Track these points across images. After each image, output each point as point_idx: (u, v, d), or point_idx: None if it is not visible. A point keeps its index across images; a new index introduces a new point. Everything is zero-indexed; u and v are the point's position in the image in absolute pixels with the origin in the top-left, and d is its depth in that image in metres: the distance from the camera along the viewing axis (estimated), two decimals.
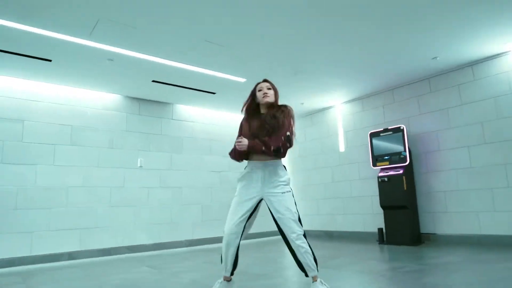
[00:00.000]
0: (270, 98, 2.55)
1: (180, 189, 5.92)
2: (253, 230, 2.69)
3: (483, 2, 3.37)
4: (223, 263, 2.45)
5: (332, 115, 6.73)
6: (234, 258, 2.43)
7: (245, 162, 2.55)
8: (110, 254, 5.06)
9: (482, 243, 4.56)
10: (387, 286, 2.80)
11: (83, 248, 4.88)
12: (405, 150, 5.15)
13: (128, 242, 5.27)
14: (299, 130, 7.29)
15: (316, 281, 2.34)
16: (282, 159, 2.53)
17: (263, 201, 2.45)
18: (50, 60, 4.24)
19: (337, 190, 6.47)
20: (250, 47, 4.17)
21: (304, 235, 2.36)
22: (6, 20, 3.32)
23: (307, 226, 6.92)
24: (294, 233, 2.31)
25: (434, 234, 5.07)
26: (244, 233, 2.45)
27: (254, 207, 2.43)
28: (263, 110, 2.59)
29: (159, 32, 3.70)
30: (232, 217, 2.41)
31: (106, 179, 5.25)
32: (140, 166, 5.59)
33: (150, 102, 5.89)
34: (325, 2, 3.26)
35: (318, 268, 2.37)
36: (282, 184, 2.41)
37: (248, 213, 2.41)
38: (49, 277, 3.68)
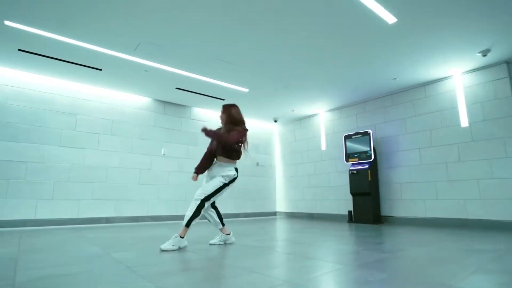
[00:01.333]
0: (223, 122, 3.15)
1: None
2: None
3: (433, 35, 3.87)
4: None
5: (316, 121, 7.17)
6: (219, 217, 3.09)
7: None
8: (137, 221, 5.55)
9: (427, 224, 5.01)
10: (351, 244, 3.27)
11: (117, 215, 5.38)
12: (370, 150, 5.61)
13: (152, 213, 5.76)
14: (291, 132, 7.77)
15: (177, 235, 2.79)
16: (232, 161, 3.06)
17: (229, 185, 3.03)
18: (100, 69, 4.77)
19: (318, 181, 6.91)
20: (252, 66, 4.66)
21: (201, 201, 2.81)
22: (69, 38, 3.86)
23: (293, 209, 7.39)
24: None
25: (392, 216, 5.51)
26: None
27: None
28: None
29: (183, 50, 4.22)
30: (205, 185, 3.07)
31: (136, 162, 5.74)
32: (164, 154, 6.07)
33: (173, 104, 6.38)
34: (312, 37, 3.77)
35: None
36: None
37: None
38: (95, 233, 4.18)
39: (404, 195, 5.39)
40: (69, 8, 3.27)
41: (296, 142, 7.61)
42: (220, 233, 3.10)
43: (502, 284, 1.62)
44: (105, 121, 5.51)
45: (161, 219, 5.81)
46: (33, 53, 4.21)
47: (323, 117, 7.02)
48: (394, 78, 5.14)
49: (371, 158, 5.56)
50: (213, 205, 3.10)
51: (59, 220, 4.81)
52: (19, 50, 4.14)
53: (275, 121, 7.63)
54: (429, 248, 2.79)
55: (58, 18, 3.46)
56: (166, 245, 2.69)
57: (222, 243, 3.08)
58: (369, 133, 5.65)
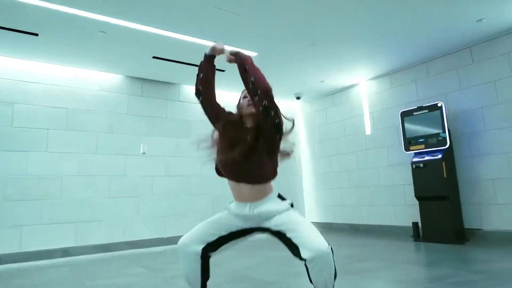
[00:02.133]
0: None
1: (187, 177, 5.32)
2: None
3: None
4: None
5: (356, 94, 6.00)
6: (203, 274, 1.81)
7: None
8: (108, 250, 4.54)
9: None
10: None
11: (78, 244, 4.39)
12: (443, 131, 4.35)
13: (129, 237, 4.75)
14: (320, 112, 6.62)
15: None
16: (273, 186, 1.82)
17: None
18: (36, 34, 3.72)
19: (364, 178, 5.75)
20: (261, 15, 3.53)
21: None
22: None
23: (329, 218, 6.28)
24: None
25: (480, 229, 4.28)
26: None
27: (234, 232, 1.80)
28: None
29: None
30: (202, 228, 1.82)
31: (105, 167, 4.73)
32: (143, 153, 5.04)
33: (153, 82, 5.32)
34: None
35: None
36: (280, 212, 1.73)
37: (220, 234, 1.79)
38: (29, 280, 3.16)
39: (500, 197, 4.13)
40: None
41: (329, 125, 6.44)
42: None
43: None
44: (56, 110, 4.49)
45: (142, 245, 4.80)
46: None
47: (365, 88, 5.84)
48: (478, 20, 3.86)
49: (445, 144, 4.31)
50: (207, 254, 1.81)
51: None
52: None
53: (298, 98, 6.51)
54: None
55: None
56: None
57: None
58: (441, 106, 4.38)
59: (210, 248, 1.77)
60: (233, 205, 1.79)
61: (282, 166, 5.84)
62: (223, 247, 1.80)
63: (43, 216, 4.21)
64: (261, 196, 1.71)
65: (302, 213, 6.72)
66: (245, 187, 1.70)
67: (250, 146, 1.64)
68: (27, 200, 4.14)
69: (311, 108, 6.86)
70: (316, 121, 6.73)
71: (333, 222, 6.19)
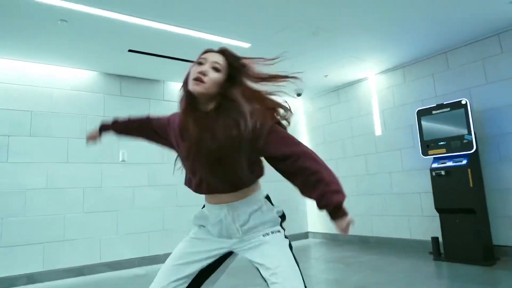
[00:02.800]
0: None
1: (174, 187, 4.81)
2: None
3: None
4: None
5: (364, 90, 5.59)
6: None
7: None
8: (83, 274, 4.08)
9: None
10: None
11: (47, 268, 3.91)
12: (469, 133, 3.85)
13: (108, 258, 4.28)
14: (324, 110, 6.18)
15: None
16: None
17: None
18: None
19: (374, 185, 5.33)
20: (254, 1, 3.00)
21: None
22: None
23: (335, 229, 5.79)
24: None
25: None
26: None
27: (212, 263, 1.38)
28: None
29: None
30: (163, 278, 1.32)
31: (77, 178, 4.25)
32: (123, 161, 4.56)
33: (134, 79, 4.83)
34: None
35: None
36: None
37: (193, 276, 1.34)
38: None
39: None
40: None
41: (333, 124, 6.02)
42: None
43: None
44: (18, 114, 4.01)
45: (123, 266, 4.34)
46: None
47: (375, 83, 5.42)
48: (511, 1, 3.33)
49: (471, 148, 3.81)
50: None
51: None
52: None
53: (298, 95, 6.03)
54: None
55: None
56: None
57: None
58: (466, 103, 3.88)
59: None
60: (205, 211, 1.40)
61: None
62: None
63: (2, 237, 3.73)
64: (242, 196, 1.34)
65: (304, 223, 6.28)
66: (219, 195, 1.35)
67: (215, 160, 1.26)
68: None
69: (314, 106, 6.45)
70: (320, 120, 6.30)
71: (339, 233, 5.74)
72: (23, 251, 3.81)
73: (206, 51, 1.30)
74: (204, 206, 1.42)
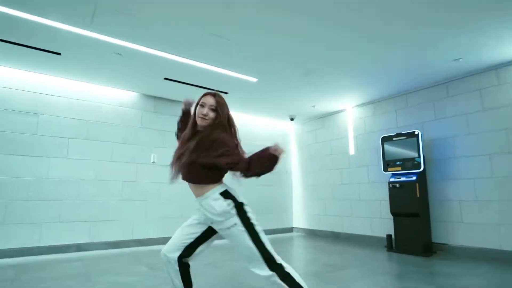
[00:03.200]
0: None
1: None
2: None
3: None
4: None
5: (343, 118, 5.83)
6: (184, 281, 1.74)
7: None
8: (118, 247, 4.41)
9: (503, 260, 3.62)
10: None
11: (92, 241, 4.25)
12: (419, 156, 4.24)
13: (138, 236, 4.61)
14: (311, 132, 6.46)
15: None
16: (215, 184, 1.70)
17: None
18: (59, 54, 3.60)
19: (346, 192, 5.58)
20: (260, 45, 3.38)
21: (281, 272, 1.55)
22: (9, 7, 2.68)
23: (314, 225, 6.11)
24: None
25: (447, 244, 4.15)
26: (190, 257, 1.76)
27: (206, 231, 1.75)
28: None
29: (164, 24, 2.98)
30: (178, 233, 1.77)
31: (118, 173, 4.59)
32: (153, 162, 4.90)
33: (165, 100, 5.17)
34: (336, 1, 2.45)
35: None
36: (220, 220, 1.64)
37: (196, 235, 1.74)
38: (43, 273, 3.05)
39: (466, 217, 4.01)
40: None
41: (317, 144, 6.28)
42: None
43: None
44: (76, 122, 4.37)
45: (149, 243, 4.66)
46: None
47: (351, 114, 5.67)
48: (456, 59, 3.74)
49: (420, 168, 4.20)
50: (184, 261, 1.75)
51: (11, 250, 3.72)
52: None
53: (292, 120, 6.33)
54: None
55: None
56: None
57: None
58: (418, 134, 4.28)
59: (186, 253, 1.72)
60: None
61: (277, 178, 5.74)
62: (197, 250, 1.74)
63: (61, 214, 4.09)
64: (203, 192, 1.67)
65: (290, 220, 6.55)
66: (191, 186, 1.72)
67: (188, 160, 1.62)
68: (47, 200, 4.03)
69: (303, 129, 6.67)
70: (307, 140, 6.56)
71: (317, 229, 6.04)
72: (74, 226, 4.17)
73: (204, 95, 1.73)
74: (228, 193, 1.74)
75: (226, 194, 1.64)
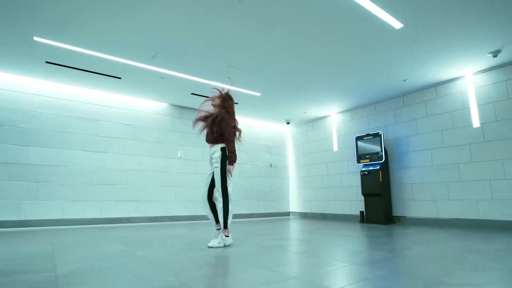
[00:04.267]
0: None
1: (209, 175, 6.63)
2: None
3: (442, 38, 3.95)
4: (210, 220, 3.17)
5: (328, 122, 7.26)
6: (213, 212, 3.14)
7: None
8: (156, 221, 5.84)
9: (439, 224, 5.06)
10: (360, 244, 3.41)
11: (137, 215, 5.68)
12: (381, 151, 5.69)
13: (170, 213, 6.03)
14: (303, 133, 7.90)
15: (223, 233, 3.00)
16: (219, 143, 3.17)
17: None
18: (120, 78, 5.06)
19: (331, 181, 7.01)
20: (263, 71, 4.84)
21: (225, 198, 3.00)
22: (91, 50, 4.16)
23: (307, 209, 7.53)
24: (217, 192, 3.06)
25: (404, 217, 5.58)
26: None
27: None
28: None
29: (198, 59, 4.45)
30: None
31: (155, 165, 6.03)
32: (180, 157, 6.34)
33: (188, 109, 6.63)
34: (322, 42, 3.93)
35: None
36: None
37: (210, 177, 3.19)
38: (115, 233, 4.47)
39: (416, 195, 5.44)
40: (91, 23, 3.55)
41: (309, 143, 7.73)
42: (218, 234, 3.05)
43: (498, 282, 1.75)
44: (125, 126, 5.82)
45: (178, 219, 6.08)
46: (58, 64, 4.54)
47: (335, 119, 7.11)
48: (404, 80, 5.20)
49: (382, 159, 5.64)
50: (210, 197, 3.13)
51: (84, 220, 5.15)
52: (47, 62, 4.47)
53: (288, 123, 7.78)
54: (433, 247, 2.90)
55: (81, 33, 3.75)
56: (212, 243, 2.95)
57: (222, 246, 2.99)
58: (380, 134, 5.73)
59: (209, 193, 3.12)
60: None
61: (276, 171, 7.56)
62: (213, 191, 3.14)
63: (115, 195, 5.53)
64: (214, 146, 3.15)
65: (287, 205, 7.98)
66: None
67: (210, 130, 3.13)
68: (106, 184, 5.46)
69: (297, 131, 8.09)
70: (300, 140, 7.97)
71: (309, 212, 7.47)
72: (125, 204, 5.59)
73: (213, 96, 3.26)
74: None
75: (222, 149, 3.13)
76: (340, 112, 7.01)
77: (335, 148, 7.00)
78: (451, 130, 5.10)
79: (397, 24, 3.58)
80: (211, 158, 3.11)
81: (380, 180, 5.55)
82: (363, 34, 3.78)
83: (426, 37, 3.84)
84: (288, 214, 7.93)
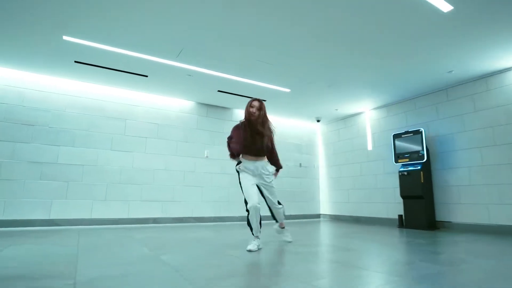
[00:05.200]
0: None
1: (236, 175, 6.45)
2: None
3: (494, 22, 3.53)
4: (255, 228, 3.01)
5: (361, 119, 6.90)
6: (260, 221, 3.08)
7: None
8: (182, 222, 5.75)
9: (490, 231, 4.57)
10: (405, 253, 3.09)
11: (163, 216, 5.63)
12: (423, 149, 5.26)
13: (196, 214, 5.93)
14: (334, 132, 7.58)
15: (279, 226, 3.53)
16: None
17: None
18: (146, 76, 5.01)
19: (365, 182, 6.63)
20: (293, 65, 4.59)
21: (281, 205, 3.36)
22: (118, 48, 4.10)
23: (338, 211, 7.19)
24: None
25: (449, 222, 5.11)
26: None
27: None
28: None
29: (224, 54, 4.28)
30: (253, 195, 2.99)
31: (181, 165, 5.95)
32: (207, 157, 6.22)
33: (215, 107, 6.51)
34: (358, 30, 3.63)
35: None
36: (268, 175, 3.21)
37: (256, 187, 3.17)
38: (137, 235, 4.41)
39: (463, 199, 4.97)
40: (118, 21, 3.47)
41: (340, 142, 7.39)
42: (254, 240, 3.03)
43: None
44: (151, 125, 5.79)
45: (204, 220, 5.97)
46: (87, 64, 4.54)
47: (368, 116, 6.74)
48: (449, 71, 4.75)
49: (423, 159, 5.21)
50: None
51: (111, 220, 5.15)
52: (75, 61, 4.49)
53: (318, 121, 7.47)
54: (496, 261, 2.53)
55: (108, 31, 3.69)
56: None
57: (260, 248, 3.04)
58: (421, 131, 5.30)
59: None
60: (245, 164, 3.10)
61: (305, 171, 7.28)
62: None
63: (142, 195, 5.50)
64: (262, 159, 3.18)
65: (317, 207, 7.67)
66: (255, 156, 3.12)
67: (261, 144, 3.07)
68: (132, 184, 5.45)
69: (328, 129, 7.77)
70: (331, 138, 7.64)
71: (341, 214, 7.12)
72: (151, 204, 5.55)
73: (252, 100, 3.09)
74: (240, 163, 3.09)
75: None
76: (374, 109, 6.61)
77: (370, 147, 6.61)
78: (504, 126, 4.59)
79: (445, 7, 3.20)
80: (258, 171, 3.09)
81: (422, 181, 5.12)
82: (406, 19, 3.43)
83: (478, 20, 3.43)
84: (318, 216, 7.61)
